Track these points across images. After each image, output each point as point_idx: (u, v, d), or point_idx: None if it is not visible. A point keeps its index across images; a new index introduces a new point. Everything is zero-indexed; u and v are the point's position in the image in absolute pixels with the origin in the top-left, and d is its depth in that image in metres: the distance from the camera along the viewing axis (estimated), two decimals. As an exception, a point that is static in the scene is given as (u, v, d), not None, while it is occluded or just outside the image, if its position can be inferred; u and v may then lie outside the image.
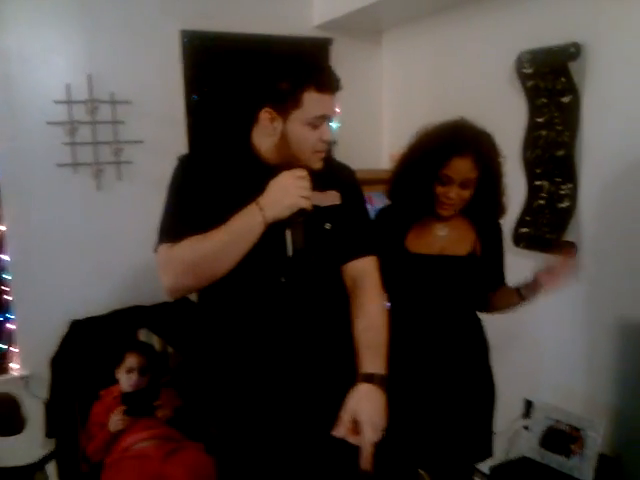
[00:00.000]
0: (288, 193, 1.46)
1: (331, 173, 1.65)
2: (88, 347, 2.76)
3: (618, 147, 2.28)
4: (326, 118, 1.52)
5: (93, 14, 2.85)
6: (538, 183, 2.59)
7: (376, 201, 2.67)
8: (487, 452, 2.02)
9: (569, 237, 2.46)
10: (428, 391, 1.95)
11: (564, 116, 2.44)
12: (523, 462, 2.41)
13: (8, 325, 2.86)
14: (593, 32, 2.31)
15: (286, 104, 1.47)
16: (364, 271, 1.65)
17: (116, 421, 2.49)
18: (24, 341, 2.85)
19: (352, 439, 1.43)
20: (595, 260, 2.39)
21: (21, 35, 2.73)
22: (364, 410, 1.44)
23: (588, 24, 2.32)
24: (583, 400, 2.46)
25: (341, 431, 1.44)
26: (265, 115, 1.50)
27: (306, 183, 1.48)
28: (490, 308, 2.05)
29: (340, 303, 1.65)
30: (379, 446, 1.50)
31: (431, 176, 1.86)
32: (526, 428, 2.56)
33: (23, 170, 2.79)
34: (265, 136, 1.54)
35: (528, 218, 2.63)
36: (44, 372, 2.73)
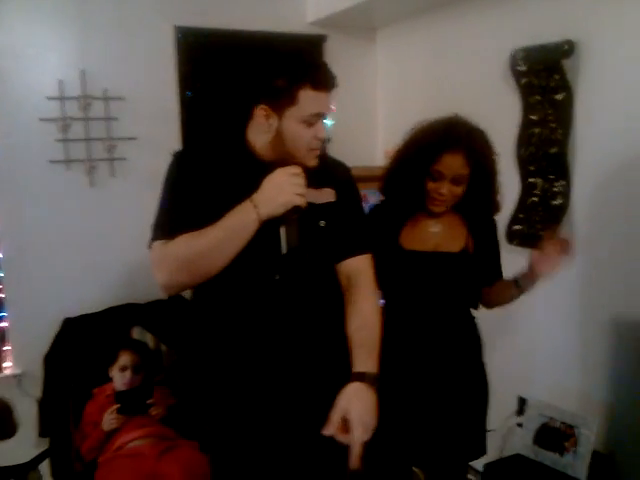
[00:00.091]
0: (282, 190, 1.45)
1: (326, 170, 1.65)
2: (81, 345, 2.75)
3: (611, 145, 2.28)
4: (321, 116, 1.51)
5: (86, 9, 2.84)
6: (531, 180, 2.60)
7: (371, 198, 2.67)
8: (481, 450, 2.02)
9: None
10: (422, 389, 1.95)
11: (558, 113, 2.44)
12: (517, 459, 2.41)
13: (1, 323, 2.84)
14: (587, 30, 2.31)
15: (281, 101, 1.46)
16: (359, 269, 1.64)
17: (110, 420, 2.48)
18: (17, 339, 2.84)
19: (342, 438, 1.44)
20: (588, 258, 2.40)
21: (13, 31, 2.72)
22: (354, 409, 1.44)
23: (582, 22, 2.33)
24: (577, 398, 2.47)
25: (331, 429, 1.44)
26: (260, 112, 1.50)
27: (301, 180, 1.47)
28: (490, 303, 2.05)
29: (334, 301, 1.65)
30: (373, 444, 1.51)
31: (422, 171, 1.86)
32: (520, 425, 2.56)
33: (15, 167, 2.78)
34: (260, 133, 1.54)
35: (521, 215, 2.64)
36: (37, 370, 2.72)
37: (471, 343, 2.03)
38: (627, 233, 2.25)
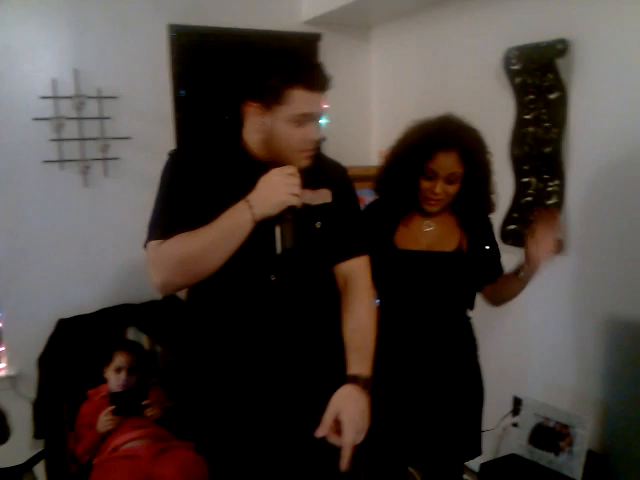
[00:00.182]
0: (277, 191, 1.45)
1: (323, 171, 1.65)
2: (76, 346, 2.75)
3: (605, 144, 2.29)
4: (313, 117, 1.50)
5: (79, 8, 2.82)
6: (526, 180, 2.60)
7: (365, 198, 2.67)
8: (476, 450, 2.02)
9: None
10: (417, 389, 1.95)
11: (551, 113, 2.44)
12: (512, 459, 2.41)
13: (-5, 324, 2.83)
14: (581, 29, 2.31)
15: (271, 100, 1.45)
16: (355, 272, 1.65)
17: (105, 421, 2.48)
18: (11, 340, 2.83)
19: (334, 439, 1.44)
20: (583, 256, 2.41)
21: (6, 29, 2.70)
22: (346, 411, 1.46)
23: (576, 21, 2.33)
24: (572, 397, 2.47)
25: (324, 431, 1.44)
26: (251, 110, 1.49)
27: (295, 180, 1.47)
28: (495, 300, 2.03)
29: (330, 302, 1.65)
30: (369, 444, 1.51)
31: (416, 170, 1.86)
32: (515, 425, 2.56)
33: (9, 167, 2.77)
34: (253, 132, 1.54)
35: (516, 215, 2.64)
36: (32, 372, 2.72)
37: (466, 343, 2.03)
38: (621, 232, 2.26)
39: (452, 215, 1.98)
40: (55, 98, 2.79)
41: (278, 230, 1.52)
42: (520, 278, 1.90)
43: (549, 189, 2.49)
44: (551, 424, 2.35)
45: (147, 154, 2.94)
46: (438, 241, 1.96)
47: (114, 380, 2.62)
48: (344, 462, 1.42)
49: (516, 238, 2.62)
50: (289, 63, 1.48)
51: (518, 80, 2.56)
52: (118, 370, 2.63)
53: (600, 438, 2.36)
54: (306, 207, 1.53)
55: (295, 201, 1.46)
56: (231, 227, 1.45)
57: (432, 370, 1.95)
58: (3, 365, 2.83)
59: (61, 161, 2.84)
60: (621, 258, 2.26)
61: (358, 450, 1.46)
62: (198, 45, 3.12)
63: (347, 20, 3.35)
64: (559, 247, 1.87)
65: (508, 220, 2.66)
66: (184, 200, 1.52)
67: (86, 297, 2.89)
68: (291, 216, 1.48)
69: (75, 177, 2.89)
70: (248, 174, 1.49)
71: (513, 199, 2.65)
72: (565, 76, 2.38)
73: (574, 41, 2.33)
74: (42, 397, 2.69)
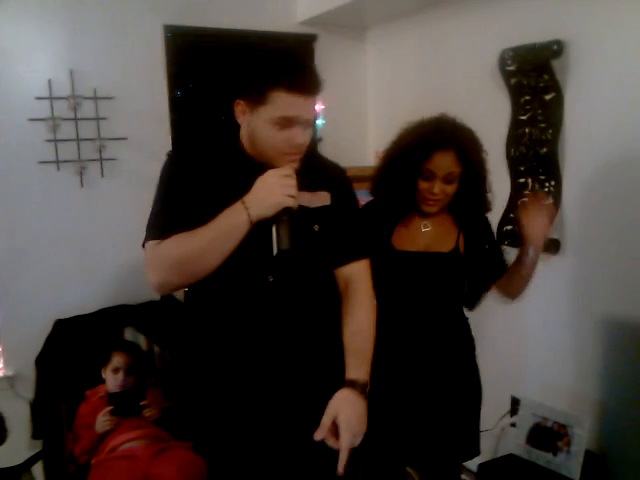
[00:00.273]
0: (273, 192, 1.44)
1: (321, 173, 1.64)
2: (73, 347, 2.74)
3: (601, 144, 2.29)
4: (297, 121, 1.45)
5: (75, 9, 2.82)
6: (522, 180, 2.61)
7: (362, 199, 2.67)
8: (474, 450, 2.02)
9: (552, 234, 2.47)
10: (415, 389, 1.95)
11: (547, 113, 2.45)
12: (510, 459, 2.42)
13: (-9, 325, 2.83)
14: (576, 30, 2.32)
15: (256, 100, 1.44)
16: (356, 275, 1.64)
17: (103, 422, 2.48)
18: (8, 341, 2.83)
19: (331, 442, 1.45)
20: (579, 257, 2.41)
21: (2, 30, 2.70)
22: (343, 415, 1.47)
23: (571, 22, 2.33)
24: (570, 397, 2.47)
25: (322, 434, 1.45)
26: (239, 108, 1.50)
27: (292, 182, 1.46)
28: (508, 294, 2.02)
29: (329, 304, 1.65)
30: (367, 444, 1.52)
31: (414, 171, 1.86)
32: (513, 425, 2.57)
33: (5, 167, 2.76)
34: (244, 131, 1.54)
35: (512, 215, 2.64)
36: (29, 372, 2.72)
37: (463, 343, 2.03)
38: (618, 232, 2.26)
39: (449, 215, 1.99)
40: (51, 99, 2.79)
41: (274, 231, 1.52)
42: (523, 262, 1.91)
43: (545, 189, 2.50)
44: (549, 424, 2.35)
45: (143, 154, 2.94)
46: (435, 241, 1.96)
47: (112, 380, 2.62)
48: (341, 465, 1.42)
49: (513, 238, 2.62)
50: (274, 64, 1.46)
51: (514, 81, 2.57)
52: (116, 370, 2.63)
53: (598, 438, 2.37)
54: (304, 209, 1.53)
55: (291, 202, 1.45)
56: (228, 228, 1.45)
57: (430, 370, 1.96)
58: (0, 365, 2.82)
59: (57, 162, 2.84)
60: (618, 258, 2.27)
61: (356, 452, 1.47)
62: (194, 46, 3.12)
63: (343, 21, 3.35)
64: (552, 218, 1.92)
65: (504, 221, 2.67)
66: (182, 200, 1.51)
67: (83, 297, 2.89)
68: (287, 217, 1.47)
69: (71, 178, 2.88)
70: (246, 174, 1.49)
71: (509, 200, 2.66)
72: (560, 77, 2.38)
73: (569, 42, 2.34)
74: (40, 397, 2.69)
